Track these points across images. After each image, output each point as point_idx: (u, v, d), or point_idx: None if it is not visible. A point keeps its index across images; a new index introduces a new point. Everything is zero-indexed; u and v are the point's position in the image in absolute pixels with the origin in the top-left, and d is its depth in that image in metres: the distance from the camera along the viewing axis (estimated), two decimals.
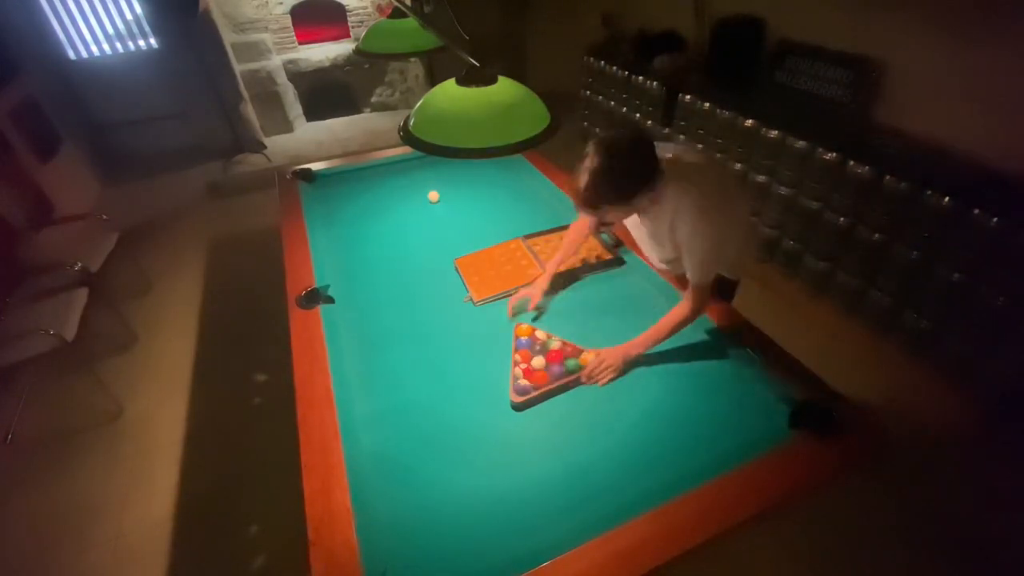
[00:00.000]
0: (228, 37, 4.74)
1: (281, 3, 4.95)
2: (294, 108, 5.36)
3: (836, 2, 2.69)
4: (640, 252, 1.91)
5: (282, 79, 5.11)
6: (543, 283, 1.78)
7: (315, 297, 1.83)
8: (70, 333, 2.36)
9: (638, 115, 3.85)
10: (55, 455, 2.36)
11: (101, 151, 4.86)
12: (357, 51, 1.96)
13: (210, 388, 2.65)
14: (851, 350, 2.65)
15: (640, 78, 3.71)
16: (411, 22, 1.85)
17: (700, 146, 3.26)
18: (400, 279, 2.00)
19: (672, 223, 1.42)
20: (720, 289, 1.71)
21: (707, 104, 3.18)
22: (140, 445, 2.38)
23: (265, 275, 3.03)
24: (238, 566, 1.92)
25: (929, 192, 2.20)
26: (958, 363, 2.26)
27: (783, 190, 2.83)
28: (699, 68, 3.47)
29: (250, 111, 4.94)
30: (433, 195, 2.43)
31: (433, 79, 5.22)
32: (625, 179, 1.26)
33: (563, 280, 1.89)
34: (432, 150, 1.07)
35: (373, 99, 5.71)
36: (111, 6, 4.51)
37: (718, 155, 3.21)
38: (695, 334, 1.64)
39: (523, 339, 1.61)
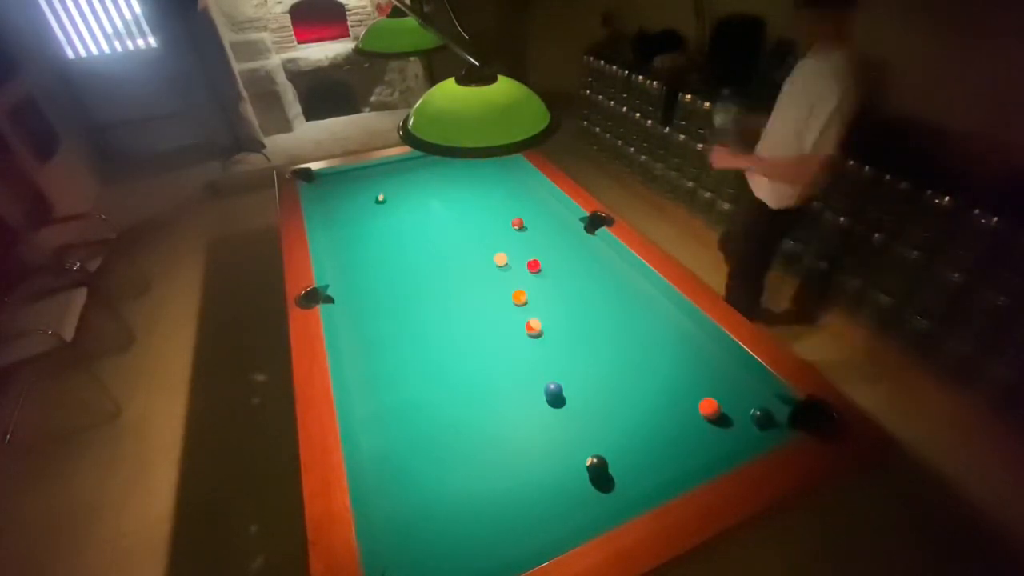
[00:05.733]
0: (227, 36, 4.73)
1: (280, 2, 4.94)
2: (293, 107, 5.35)
3: None
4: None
5: (281, 78, 5.10)
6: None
7: (314, 297, 1.82)
8: (68, 333, 2.36)
9: (638, 115, 3.85)
10: (54, 455, 2.35)
11: (100, 151, 4.85)
12: (357, 50, 1.96)
13: (209, 388, 2.65)
14: (851, 350, 2.65)
15: (640, 78, 3.71)
16: (411, 21, 1.84)
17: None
18: (399, 279, 2.00)
19: (818, 76, 1.78)
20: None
21: (707, 104, 3.18)
22: (139, 445, 2.37)
23: (264, 275, 3.02)
24: (238, 566, 1.91)
25: (929, 192, 2.20)
26: (958, 363, 2.26)
27: None
28: (699, 68, 3.46)
29: (249, 111, 4.93)
30: (501, 258, 2.07)
31: (433, 79, 5.21)
32: None
33: None
34: (432, 150, 1.07)
35: (372, 98, 5.71)
36: (110, 5, 4.50)
37: None
38: (695, 332, 1.64)
39: None
